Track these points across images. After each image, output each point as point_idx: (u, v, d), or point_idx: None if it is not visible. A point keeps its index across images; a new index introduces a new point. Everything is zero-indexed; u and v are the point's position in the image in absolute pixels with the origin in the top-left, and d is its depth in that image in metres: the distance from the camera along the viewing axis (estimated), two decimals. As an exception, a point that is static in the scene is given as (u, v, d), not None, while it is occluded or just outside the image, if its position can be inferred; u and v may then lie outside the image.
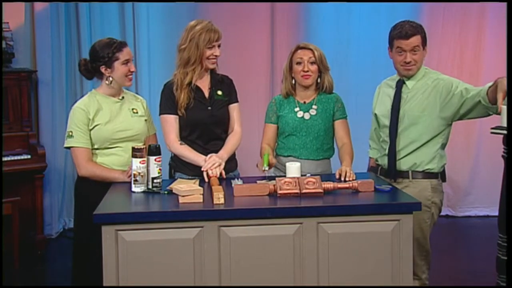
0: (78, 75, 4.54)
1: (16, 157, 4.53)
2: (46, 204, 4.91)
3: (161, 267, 2.43)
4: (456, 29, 5.48)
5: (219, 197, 2.51)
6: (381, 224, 2.50)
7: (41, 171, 4.65)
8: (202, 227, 2.44)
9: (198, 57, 3.04)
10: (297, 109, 3.27)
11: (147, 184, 2.77)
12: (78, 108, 3.00)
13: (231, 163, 3.15)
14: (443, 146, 3.14)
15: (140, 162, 2.75)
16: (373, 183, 2.70)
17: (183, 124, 3.11)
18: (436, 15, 5.44)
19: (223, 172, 2.94)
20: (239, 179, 2.93)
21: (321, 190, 2.61)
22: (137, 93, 3.52)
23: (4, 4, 4.47)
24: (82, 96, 3.21)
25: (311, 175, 2.75)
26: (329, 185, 2.65)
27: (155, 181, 2.77)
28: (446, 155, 3.18)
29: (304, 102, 3.29)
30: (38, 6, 4.90)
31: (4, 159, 4.40)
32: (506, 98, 2.58)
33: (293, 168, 2.83)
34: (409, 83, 3.13)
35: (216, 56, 3.08)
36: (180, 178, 3.07)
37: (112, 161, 3.02)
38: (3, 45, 4.62)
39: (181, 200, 2.56)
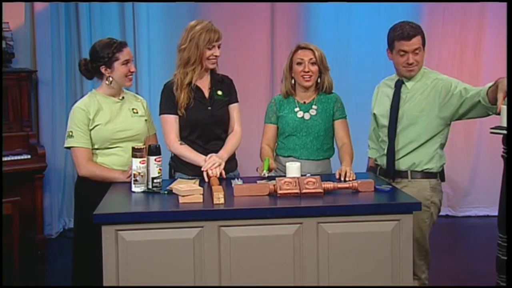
0: (78, 75, 4.55)
1: (16, 157, 4.53)
2: (46, 204, 4.90)
3: (161, 267, 2.43)
4: (456, 29, 5.48)
5: (219, 197, 2.51)
6: (381, 224, 2.50)
7: (41, 171, 4.65)
8: (202, 227, 2.44)
9: (198, 57, 3.04)
10: (297, 109, 3.27)
11: (147, 184, 2.77)
12: (78, 108, 3.00)
13: (231, 163, 3.15)
14: (442, 146, 3.14)
15: (140, 162, 2.75)
16: (373, 183, 2.70)
17: (183, 124, 3.11)
18: (436, 15, 5.44)
19: (223, 172, 2.94)
20: (239, 179, 2.93)
21: (321, 190, 2.61)
22: (137, 93, 3.51)
23: (4, 4, 4.47)
24: (82, 96, 3.21)
25: (311, 175, 2.75)
26: (329, 185, 2.65)
27: (155, 181, 2.77)
28: (445, 155, 3.18)
29: (304, 102, 3.29)
30: (38, 6, 4.90)
31: (4, 159, 4.40)
32: (506, 98, 2.58)
33: (293, 168, 2.83)
34: (408, 84, 3.13)
35: (216, 56, 3.08)
36: (180, 178, 3.07)
37: (112, 161, 3.02)
38: (3, 45, 4.62)
39: (181, 200, 2.56)
